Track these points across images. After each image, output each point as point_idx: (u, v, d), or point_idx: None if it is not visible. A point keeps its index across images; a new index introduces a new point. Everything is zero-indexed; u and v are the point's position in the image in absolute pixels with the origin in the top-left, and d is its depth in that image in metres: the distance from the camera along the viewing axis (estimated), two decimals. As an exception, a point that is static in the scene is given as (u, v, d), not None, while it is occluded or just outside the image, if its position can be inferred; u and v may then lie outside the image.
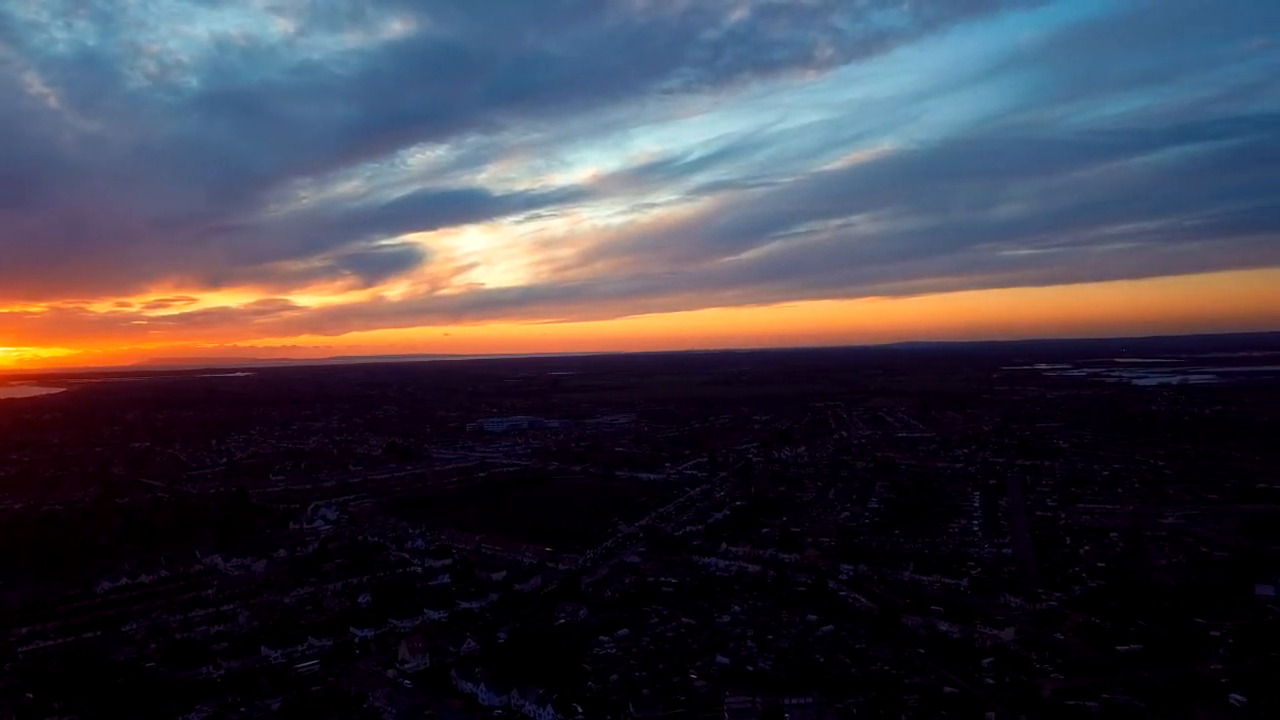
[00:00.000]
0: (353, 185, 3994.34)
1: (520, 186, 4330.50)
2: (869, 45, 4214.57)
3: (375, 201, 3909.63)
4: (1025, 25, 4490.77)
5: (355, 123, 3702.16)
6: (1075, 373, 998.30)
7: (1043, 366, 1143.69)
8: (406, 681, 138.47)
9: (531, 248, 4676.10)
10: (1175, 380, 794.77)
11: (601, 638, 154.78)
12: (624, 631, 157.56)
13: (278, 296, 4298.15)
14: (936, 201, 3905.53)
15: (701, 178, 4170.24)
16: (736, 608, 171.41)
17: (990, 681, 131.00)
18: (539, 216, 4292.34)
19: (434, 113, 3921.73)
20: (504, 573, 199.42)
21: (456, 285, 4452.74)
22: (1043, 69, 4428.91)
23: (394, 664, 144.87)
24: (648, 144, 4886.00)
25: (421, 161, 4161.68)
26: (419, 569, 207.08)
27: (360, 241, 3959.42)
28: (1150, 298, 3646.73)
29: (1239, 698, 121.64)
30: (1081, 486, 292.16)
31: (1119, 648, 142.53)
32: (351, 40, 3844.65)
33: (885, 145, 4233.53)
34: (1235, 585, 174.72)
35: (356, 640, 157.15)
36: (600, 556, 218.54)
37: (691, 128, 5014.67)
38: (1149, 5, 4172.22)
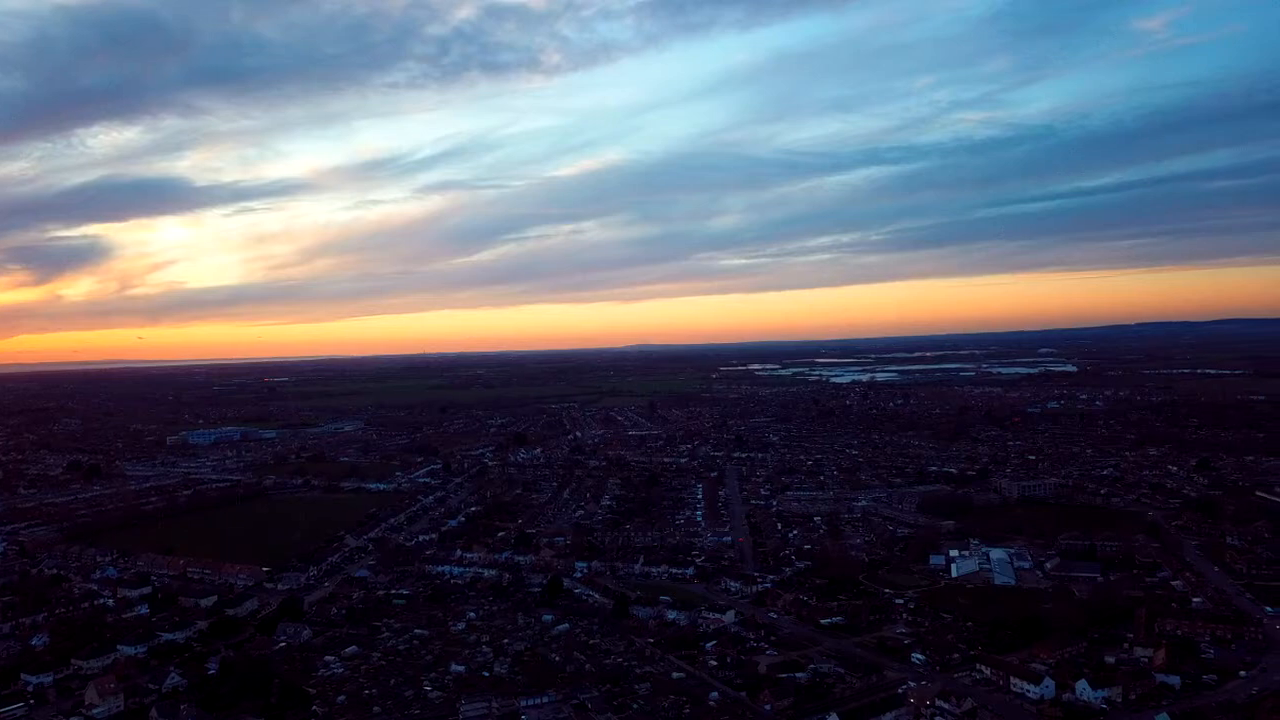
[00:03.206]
0: (18, 167, 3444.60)
1: (228, 177, 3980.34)
2: (595, 55, 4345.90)
3: (48, 187, 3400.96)
4: (738, 48, 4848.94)
5: (19, 95, 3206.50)
6: (783, 372, 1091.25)
7: (755, 367, 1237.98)
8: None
9: (242, 244, 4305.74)
10: (865, 378, 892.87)
11: (328, 658, 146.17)
12: (352, 649, 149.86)
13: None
14: (660, 211, 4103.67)
15: (431, 176, 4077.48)
16: (472, 614, 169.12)
17: (714, 663, 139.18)
18: (250, 210, 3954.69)
19: (121, 90, 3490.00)
20: (214, 598, 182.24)
21: (153, 284, 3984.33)
22: (753, 90, 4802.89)
23: (79, 710, 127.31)
24: (373, 138, 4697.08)
25: (106, 144, 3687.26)
26: (110, 601, 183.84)
27: (30, 232, 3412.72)
28: (845, 304, 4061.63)
29: (919, 657, 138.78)
30: (790, 476, 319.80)
31: (823, 621, 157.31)
32: (13, 1, 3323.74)
33: (613, 154, 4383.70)
34: (915, 557, 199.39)
35: (30, 688, 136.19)
36: (325, 573, 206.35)
37: (419, 125, 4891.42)
38: (840, 40, 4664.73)
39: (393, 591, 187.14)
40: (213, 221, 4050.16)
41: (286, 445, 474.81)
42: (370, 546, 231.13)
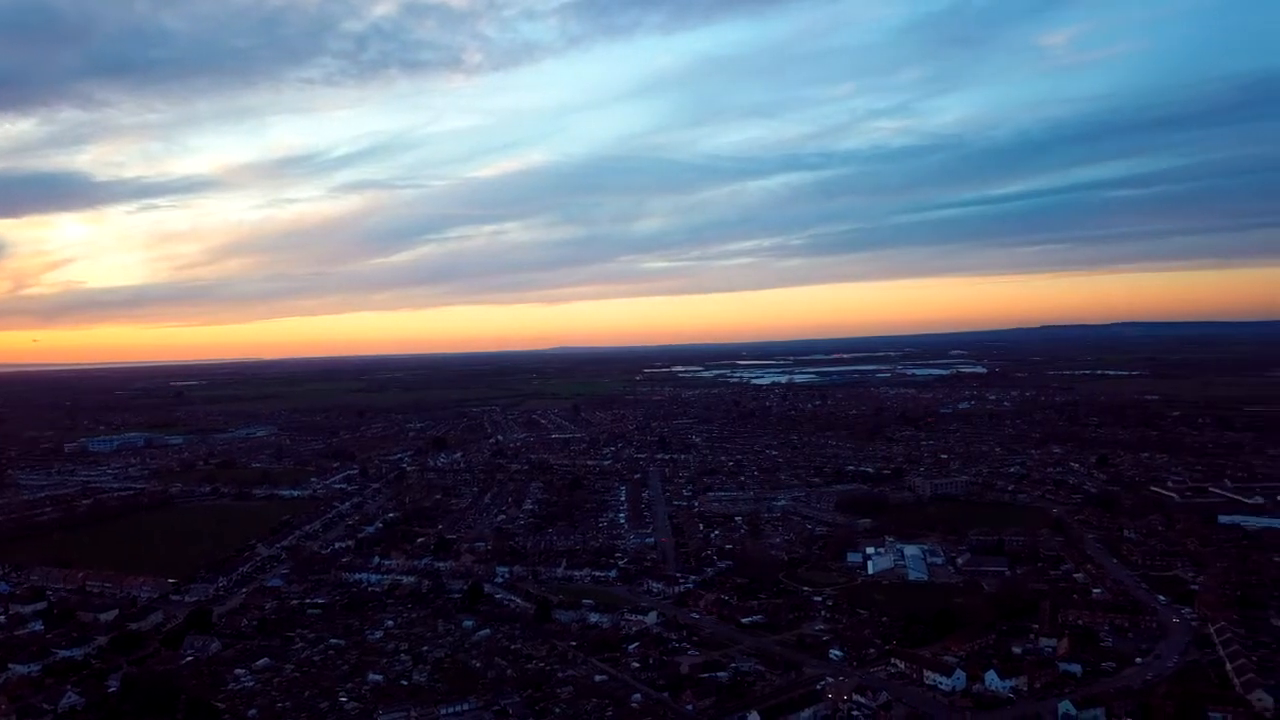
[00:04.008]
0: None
1: (132, 172, 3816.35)
2: (517, 55, 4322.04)
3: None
4: (661, 51, 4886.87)
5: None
6: (706, 374, 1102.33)
7: (679, 369, 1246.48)
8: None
9: (147, 242, 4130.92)
10: (785, 380, 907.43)
11: (238, 670, 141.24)
12: (264, 661, 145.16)
13: None
14: (584, 213, 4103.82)
15: (348, 175, 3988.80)
16: (390, 622, 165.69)
17: (636, 665, 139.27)
18: (155, 207, 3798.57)
19: (13, 80, 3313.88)
20: (115, 612, 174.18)
21: (49, 284, 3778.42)
22: (676, 94, 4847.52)
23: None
24: (287, 135, 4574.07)
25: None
26: (1, 618, 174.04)
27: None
28: (767, 306, 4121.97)
29: (837, 653, 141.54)
30: (712, 476, 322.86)
31: (744, 620, 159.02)
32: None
33: (536, 155, 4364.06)
34: (833, 555, 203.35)
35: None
36: (236, 583, 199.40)
37: (336, 122, 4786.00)
38: (761, 46, 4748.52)
39: (307, 601, 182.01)
40: (115, 219, 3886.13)
41: (195, 451, 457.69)
42: (283, 555, 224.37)
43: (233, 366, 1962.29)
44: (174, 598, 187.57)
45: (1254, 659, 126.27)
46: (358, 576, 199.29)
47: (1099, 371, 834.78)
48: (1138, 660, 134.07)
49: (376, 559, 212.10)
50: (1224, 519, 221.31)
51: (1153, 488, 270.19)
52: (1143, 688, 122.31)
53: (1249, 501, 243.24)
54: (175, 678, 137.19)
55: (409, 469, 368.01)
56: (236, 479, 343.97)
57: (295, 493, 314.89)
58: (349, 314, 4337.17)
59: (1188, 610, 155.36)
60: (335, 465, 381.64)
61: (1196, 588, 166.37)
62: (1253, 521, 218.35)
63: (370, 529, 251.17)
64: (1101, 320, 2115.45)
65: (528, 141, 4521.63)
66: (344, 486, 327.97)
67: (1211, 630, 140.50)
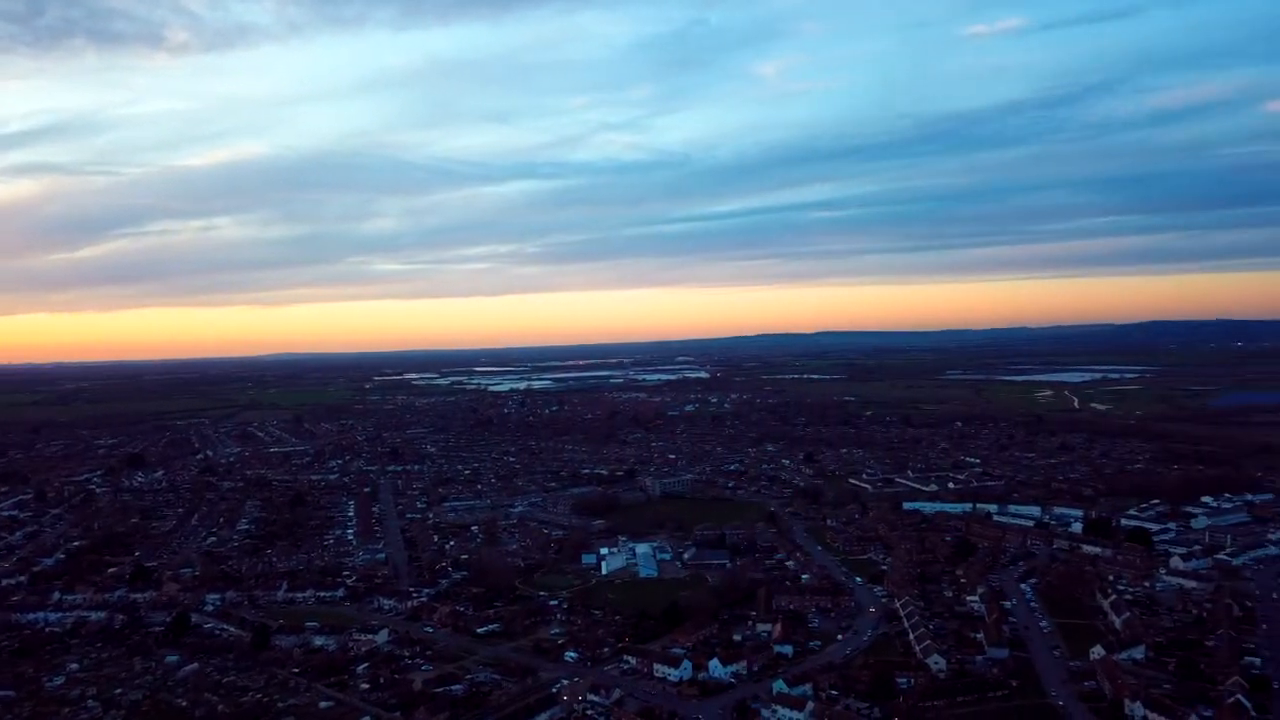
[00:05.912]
0: None
1: None
2: (230, 37, 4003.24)
3: None
4: (391, 48, 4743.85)
5: None
6: (441, 381, 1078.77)
7: (412, 376, 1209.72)
8: None
9: None
10: (523, 386, 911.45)
11: None
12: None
13: None
14: (307, 211, 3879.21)
15: (21, 155, 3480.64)
16: (74, 665, 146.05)
17: (366, 686, 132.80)
18: None
19: None
20: None
21: None
22: (407, 93, 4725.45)
23: None
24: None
25: None
26: None
27: None
28: (503, 313, 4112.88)
29: (572, 655, 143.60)
30: (447, 486, 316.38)
31: (479, 630, 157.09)
32: None
33: (251, 146, 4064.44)
34: (569, 558, 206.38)
35: None
36: None
37: (8, 95, 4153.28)
38: (496, 51, 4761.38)
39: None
40: None
41: None
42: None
43: None
44: None
45: (930, 628, 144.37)
46: (33, 616, 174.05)
47: (805, 376, 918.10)
48: (839, 637, 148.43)
49: (57, 594, 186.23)
50: (907, 505, 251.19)
51: (851, 480, 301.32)
52: (843, 662, 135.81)
53: (926, 489, 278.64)
54: None
55: (98, 491, 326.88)
56: None
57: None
58: (20, 315, 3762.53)
59: (880, 589, 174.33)
60: (3, 490, 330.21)
61: (886, 569, 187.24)
62: (929, 507, 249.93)
63: (49, 561, 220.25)
64: (807, 329, 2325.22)
65: (242, 131, 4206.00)
66: (14, 514, 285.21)
67: (898, 605, 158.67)
